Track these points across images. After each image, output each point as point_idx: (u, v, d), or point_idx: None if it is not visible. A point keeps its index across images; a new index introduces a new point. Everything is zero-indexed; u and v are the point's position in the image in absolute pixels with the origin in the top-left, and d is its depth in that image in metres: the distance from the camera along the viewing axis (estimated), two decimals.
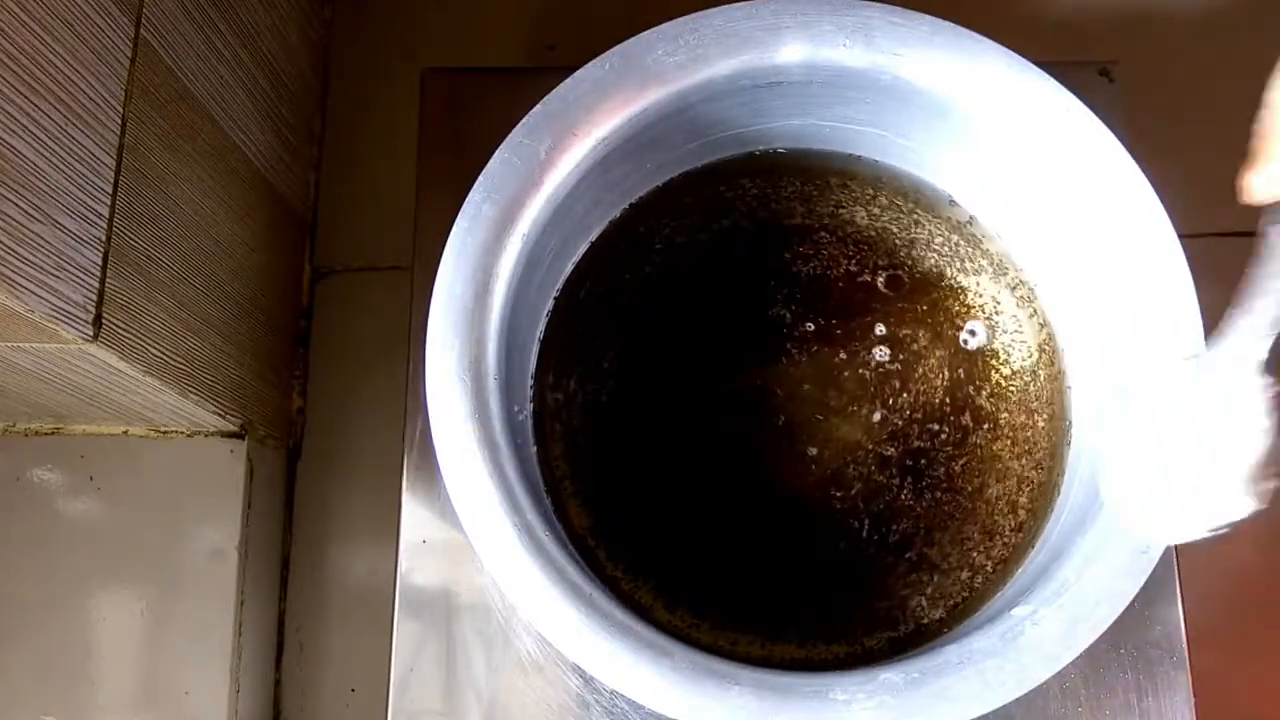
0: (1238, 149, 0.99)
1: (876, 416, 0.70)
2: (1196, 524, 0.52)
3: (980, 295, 0.71)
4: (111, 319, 0.63)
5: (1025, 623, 0.57)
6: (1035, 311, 0.71)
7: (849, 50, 0.63)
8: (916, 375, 0.70)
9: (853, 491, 0.69)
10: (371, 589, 0.89)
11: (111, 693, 0.80)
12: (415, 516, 0.69)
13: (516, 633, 0.67)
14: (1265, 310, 0.50)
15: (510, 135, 0.63)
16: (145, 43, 0.65)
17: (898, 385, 0.70)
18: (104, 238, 0.62)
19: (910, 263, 0.72)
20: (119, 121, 0.63)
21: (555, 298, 0.71)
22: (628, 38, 0.63)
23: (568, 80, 0.63)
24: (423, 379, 0.60)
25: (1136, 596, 0.57)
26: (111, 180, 0.62)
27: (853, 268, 0.72)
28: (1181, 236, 0.60)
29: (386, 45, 1.00)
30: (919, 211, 0.73)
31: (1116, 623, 0.57)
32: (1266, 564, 0.90)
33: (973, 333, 0.71)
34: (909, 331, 0.71)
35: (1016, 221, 0.70)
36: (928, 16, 0.63)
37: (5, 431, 0.82)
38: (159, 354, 0.68)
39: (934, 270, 0.72)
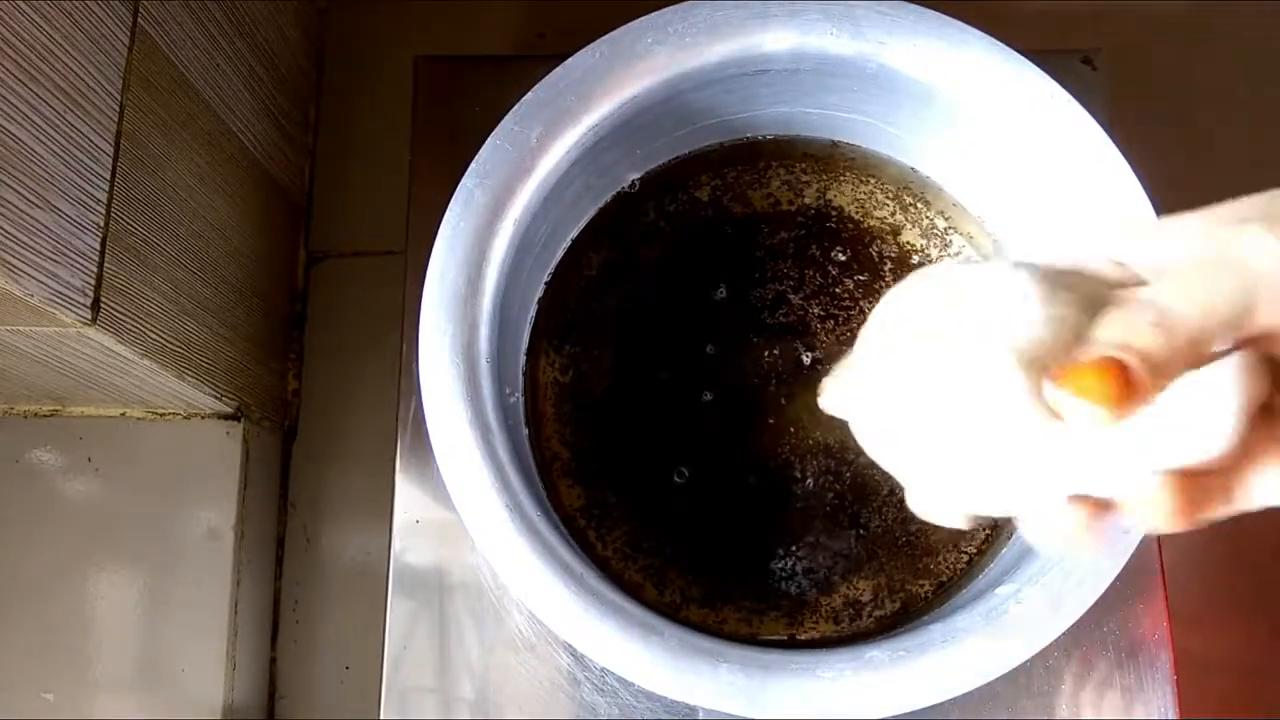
0: (1217, 136, 1.00)
1: None
2: None
3: None
4: (109, 303, 0.63)
5: (1009, 601, 0.58)
6: None
7: (836, 39, 0.64)
8: None
9: (843, 473, 0.70)
10: (366, 568, 0.89)
11: (109, 671, 0.80)
12: (409, 497, 0.70)
13: (508, 611, 0.68)
14: None
15: (502, 122, 0.63)
16: (143, 31, 0.66)
17: None
18: (102, 223, 0.62)
19: (895, 247, 0.73)
20: (117, 109, 0.64)
21: (546, 282, 0.72)
22: (617, 26, 0.64)
23: (559, 68, 0.64)
24: (416, 362, 0.61)
25: (1119, 576, 0.58)
26: (110, 166, 0.63)
27: (839, 252, 0.73)
28: None
29: (380, 34, 1.00)
30: (904, 197, 0.73)
31: (1100, 602, 0.58)
32: (1248, 543, 0.91)
33: None
34: None
35: (1000, 207, 0.71)
36: (913, 5, 0.64)
37: (4, 413, 0.83)
38: (156, 337, 0.69)
39: (919, 253, 0.73)
